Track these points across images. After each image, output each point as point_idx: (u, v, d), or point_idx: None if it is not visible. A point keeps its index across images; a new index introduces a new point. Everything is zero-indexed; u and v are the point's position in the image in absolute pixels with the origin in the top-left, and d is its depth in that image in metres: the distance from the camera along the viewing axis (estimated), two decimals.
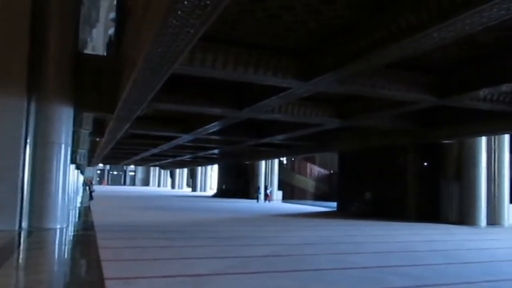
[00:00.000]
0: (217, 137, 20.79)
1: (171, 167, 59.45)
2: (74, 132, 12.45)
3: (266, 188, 32.58)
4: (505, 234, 14.01)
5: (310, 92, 10.19)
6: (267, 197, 31.73)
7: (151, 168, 75.22)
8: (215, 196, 40.79)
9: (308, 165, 37.08)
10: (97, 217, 14.92)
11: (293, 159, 36.76)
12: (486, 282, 6.82)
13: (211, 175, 56.17)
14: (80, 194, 23.34)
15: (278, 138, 20.30)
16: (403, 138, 17.62)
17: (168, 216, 17.67)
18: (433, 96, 10.65)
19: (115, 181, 74.88)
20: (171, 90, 11.69)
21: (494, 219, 16.37)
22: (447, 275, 7.25)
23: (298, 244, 10.50)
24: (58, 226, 10.53)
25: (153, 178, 77.93)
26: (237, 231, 13.05)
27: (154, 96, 9.79)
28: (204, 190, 52.83)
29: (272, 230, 13.69)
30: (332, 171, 35.02)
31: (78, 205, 20.33)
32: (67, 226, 11.33)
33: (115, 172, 76.88)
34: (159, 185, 74.35)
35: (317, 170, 37.39)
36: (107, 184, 70.32)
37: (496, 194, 16.53)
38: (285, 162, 37.74)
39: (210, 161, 41.19)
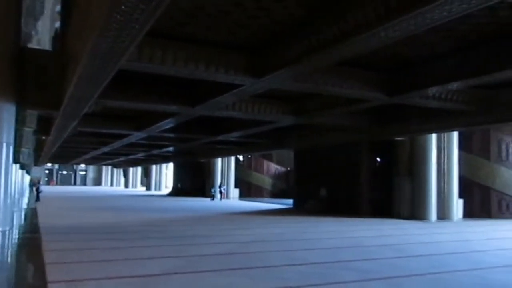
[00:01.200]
0: (171, 135, 20.59)
1: (124, 166, 58.26)
2: (16, 131, 11.99)
3: (220, 186, 32.60)
4: (452, 228, 14.74)
5: (263, 89, 10.32)
6: (221, 195, 31.78)
7: (103, 167, 73.39)
8: (170, 195, 40.41)
9: (265, 162, 37.41)
10: (44, 219, 14.48)
11: (249, 156, 36.97)
12: (431, 274, 7.22)
13: (166, 173, 55.56)
14: (26, 195, 22.50)
15: (234, 136, 20.36)
16: (357, 135, 18.13)
17: (120, 216, 17.37)
18: (384, 94, 11.03)
19: (64, 181, 72.58)
20: (122, 86, 11.49)
21: (443, 213, 17.18)
22: (396, 268, 7.60)
23: (251, 241, 10.63)
24: (0, 229, 10.13)
25: (106, 177, 76.06)
26: (190, 230, 13.04)
27: (102, 93, 9.59)
28: (159, 189, 52.27)
29: (226, 228, 13.78)
30: (289, 169, 35.49)
31: (24, 206, 19.59)
32: (10, 229, 10.93)
33: (64, 172, 74.48)
34: (111, 185, 72.72)
35: (274, 167, 37.79)
36: (56, 184, 68.02)
37: (446, 190, 17.35)
38: (241, 159, 37.91)
39: (165, 159, 40.71)
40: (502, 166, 18.47)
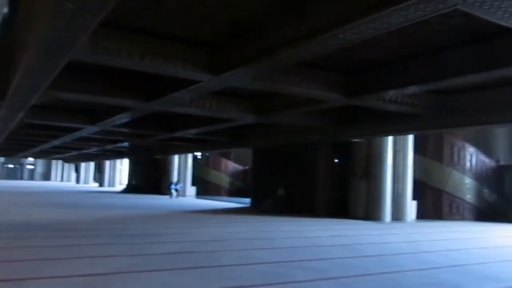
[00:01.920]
0: (126, 130, 20.20)
1: (76, 161, 56.65)
2: None
3: (176, 184, 32.33)
4: (406, 229, 15.27)
5: (222, 86, 10.33)
6: (177, 192, 31.57)
7: (53, 162, 71.13)
8: (124, 191, 39.69)
9: (223, 160, 37.37)
10: None
11: (207, 154, 36.81)
12: (383, 273, 7.48)
13: (120, 169, 54.51)
14: None
15: (192, 133, 20.22)
16: (317, 135, 18.43)
17: (70, 213, 16.91)
18: (342, 95, 11.28)
19: (10, 175, 69.88)
20: (74, 78, 11.17)
21: (397, 215, 17.76)
22: (349, 268, 7.82)
23: (206, 240, 10.62)
24: None
25: (56, 172, 73.71)
26: (144, 228, 12.87)
27: (52, 84, 9.33)
28: (113, 186, 51.19)
29: (181, 226, 13.69)
30: (247, 167, 35.62)
31: None
32: None
33: (10, 166, 71.67)
34: (62, 180, 70.60)
35: (232, 166, 37.82)
36: (1, 178, 65.31)
37: (400, 192, 17.93)
38: (199, 157, 37.69)
39: (119, 154, 39.89)
40: (454, 169, 19.31)
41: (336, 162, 19.89)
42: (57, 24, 4.97)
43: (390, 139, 17.52)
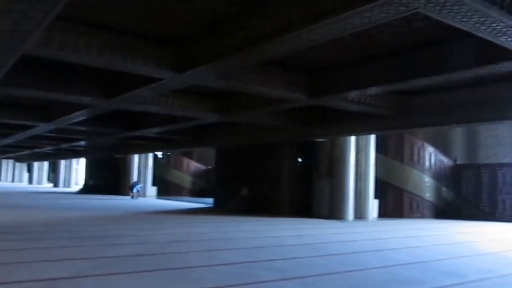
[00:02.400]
0: (83, 128, 19.72)
1: (29, 160, 54.78)
2: None
3: (136, 184, 31.84)
4: (368, 227, 15.66)
5: (185, 84, 10.28)
6: (137, 193, 31.14)
7: (3, 161, 68.47)
8: (81, 192, 38.74)
9: (185, 160, 37.11)
10: None
11: (169, 153, 36.43)
12: (347, 272, 7.66)
13: (76, 169, 53.16)
14: None
15: (153, 131, 20.00)
16: (281, 135, 18.61)
17: (24, 215, 16.36)
18: (306, 95, 11.46)
19: None
20: (28, 73, 10.86)
21: (360, 213, 18.18)
22: (313, 267, 7.96)
23: (167, 242, 10.54)
24: None
25: (6, 172, 70.96)
26: (102, 230, 12.62)
27: (3, 79, 9.03)
28: (68, 186, 49.86)
29: (142, 228, 13.51)
30: (210, 167, 35.51)
31: None
32: None
33: None
34: (13, 180, 68.05)
35: (194, 165, 37.61)
36: None
37: (363, 191, 18.36)
38: (160, 156, 37.26)
39: (75, 154, 38.92)
40: (414, 169, 19.96)
41: (300, 162, 20.16)
42: (9, 17, 4.83)
43: (353, 139, 17.91)
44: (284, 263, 8.23)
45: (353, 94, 11.44)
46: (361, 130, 16.20)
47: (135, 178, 33.39)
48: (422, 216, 19.86)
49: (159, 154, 36.58)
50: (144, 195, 32.47)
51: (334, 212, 17.91)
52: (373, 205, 18.75)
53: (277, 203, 19.82)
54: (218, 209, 22.15)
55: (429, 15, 5.81)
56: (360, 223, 17.00)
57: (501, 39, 6.47)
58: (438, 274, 7.62)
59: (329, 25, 6.23)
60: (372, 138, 18.53)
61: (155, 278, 6.60)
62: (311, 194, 18.99)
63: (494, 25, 5.95)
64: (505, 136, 23.46)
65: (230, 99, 14.18)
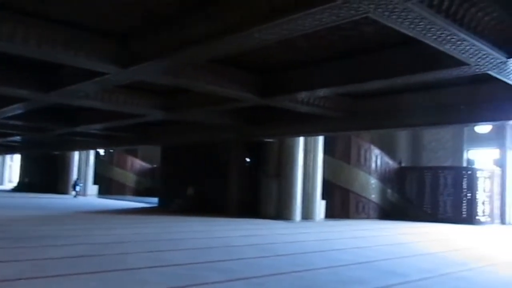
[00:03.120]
0: (18, 123, 18.86)
1: None
2: None
3: (76, 182, 30.89)
4: (315, 228, 16.00)
5: (129, 80, 10.12)
6: (77, 192, 30.26)
7: None
8: (15, 190, 37.08)
9: (129, 158, 36.38)
10: None
11: (111, 151, 35.56)
12: (294, 272, 7.82)
13: (10, 165, 50.89)
14: None
15: (95, 128, 19.47)
16: (228, 134, 18.65)
17: None
18: (255, 95, 11.56)
19: None
20: None
21: (307, 214, 18.52)
22: (260, 267, 8.06)
23: (110, 243, 10.31)
24: None
25: None
26: (39, 230, 12.15)
27: None
28: (1, 184, 47.63)
29: (81, 228, 13.12)
30: (155, 166, 35.01)
31: None
32: None
33: None
34: None
35: (138, 163, 36.95)
36: None
37: (310, 191, 18.71)
38: (102, 154, 36.28)
39: (9, 149, 37.20)
40: (361, 170, 20.60)
41: (248, 161, 20.29)
42: None
43: (301, 139, 18.23)
44: (231, 263, 8.28)
45: (303, 95, 11.68)
46: (309, 131, 16.54)
47: (75, 176, 32.38)
48: (368, 217, 20.54)
49: (101, 151, 35.63)
50: (84, 194, 31.53)
51: (282, 212, 18.15)
52: (320, 206, 19.15)
53: (224, 203, 19.84)
54: (163, 209, 21.87)
55: (378, 20, 6.05)
56: (307, 223, 17.32)
57: (446, 46, 6.83)
58: (382, 274, 7.94)
59: (280, 25, 6.34)
60: (321, 139, 18.93)
61: (97, 280, 6.45)
62: (259, 194, 19.15)
63: (439, 32, 6.28)
64: (448, 140, 24.71)
65: (177, 97, 14.05)
